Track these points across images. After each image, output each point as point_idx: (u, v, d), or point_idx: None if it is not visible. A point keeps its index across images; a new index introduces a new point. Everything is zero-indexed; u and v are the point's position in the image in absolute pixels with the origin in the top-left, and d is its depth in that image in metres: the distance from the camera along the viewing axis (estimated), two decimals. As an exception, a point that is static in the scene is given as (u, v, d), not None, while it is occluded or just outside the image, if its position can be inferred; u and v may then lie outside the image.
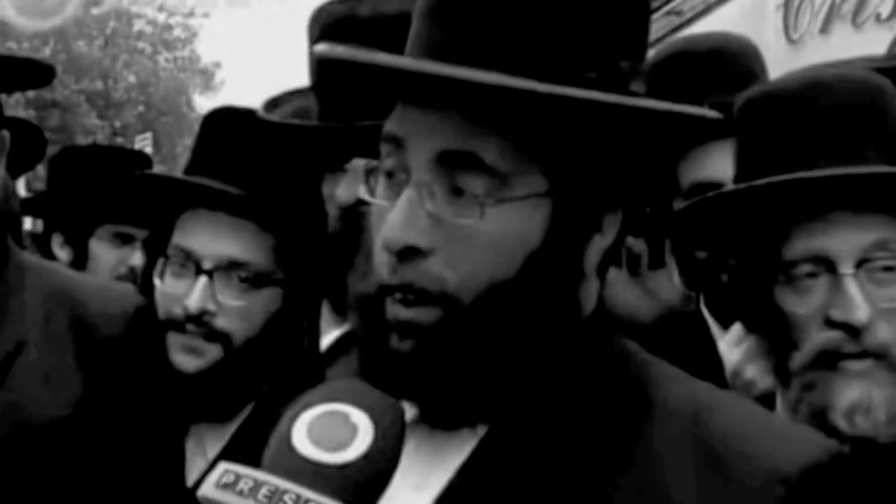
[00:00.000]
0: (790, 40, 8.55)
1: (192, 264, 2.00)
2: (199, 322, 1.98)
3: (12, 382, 1.77)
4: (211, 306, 1.97)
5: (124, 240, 3.50)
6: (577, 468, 1.13)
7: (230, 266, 1.99)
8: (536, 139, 1.14)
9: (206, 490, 0.99)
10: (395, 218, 1.13)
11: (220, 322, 1.98)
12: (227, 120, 2.11)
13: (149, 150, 16.81)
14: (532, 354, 1.17)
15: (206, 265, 1.98)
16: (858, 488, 1.25)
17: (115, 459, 1.85)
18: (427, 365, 1.15)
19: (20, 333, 1.81)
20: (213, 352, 1.99)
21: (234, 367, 2.00)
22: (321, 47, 1.16)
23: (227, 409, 2.05)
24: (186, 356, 1.99)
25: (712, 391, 1.22)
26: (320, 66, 1.27)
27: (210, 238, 1.99)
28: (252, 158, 2.03)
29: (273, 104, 2.38)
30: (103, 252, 3.51)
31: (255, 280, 1.99)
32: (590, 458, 1.14)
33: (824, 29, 8.19)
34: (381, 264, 1.16)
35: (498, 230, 1.13)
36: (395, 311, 1.15)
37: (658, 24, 11.01)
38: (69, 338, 1.84)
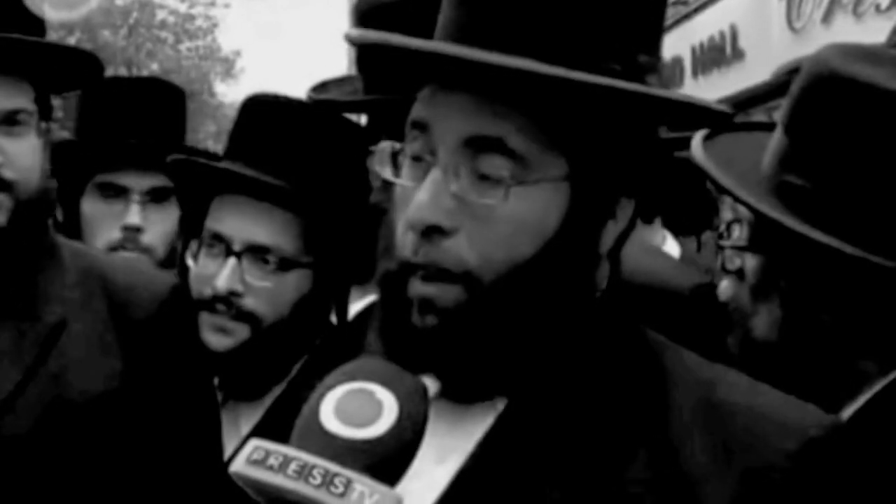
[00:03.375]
0: (793, 29, 8.53)
1: (223, 246, 1.99)
2: (228, 302, 1.98)
3: (55, 358, 1.76)
4: (239, 287, 1.97)
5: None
6: (594, 441, 1.14)
7: (259, 249, 1.98)
8: (560, 125, 1.15)
9: (238, 466, 1.00)
10: (420, 198, 1.13)
11: (248, 303, 1.98)
12: (263, 107, 2.09)
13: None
14: (548, 331, 1.17)
15: (236, 247, 1.98)
16: (858, 459, 1.25)
17: (155, 435, 1.85)
18: (448, 340, 1.15)
19: (62, 311, 1.81)
20: (242, 332, 1.99)
21: (262, 347, 2.00)
22: (356, 32, 1.17)
23: (258, 387, 2.05)
24: (216, 335, 1.99)
25: (719, 369, 1.22)
26: (359, 50, 1.28)
27: (240, 221, 1.99)
28: (286, 145, 2.03)
29: (321, 88, 2.40)
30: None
31: (283, 263, 1.98)
32: (607, 431, 1.14)
33: (826, 18, 8.17)
34: (405, 243, 1.16)
35: (519, 211, 1.14)
36: (417, 287, 1.15)
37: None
38: (107, 316, 1.84)
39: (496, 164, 1.13)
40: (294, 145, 2.03)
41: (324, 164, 2.03)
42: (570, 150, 1.15)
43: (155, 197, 2.58)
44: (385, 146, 1.21)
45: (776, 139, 1.69)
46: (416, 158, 1.18)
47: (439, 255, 1.14)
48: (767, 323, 1.67)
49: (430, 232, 1.13)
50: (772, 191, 1.65)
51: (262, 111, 2.08)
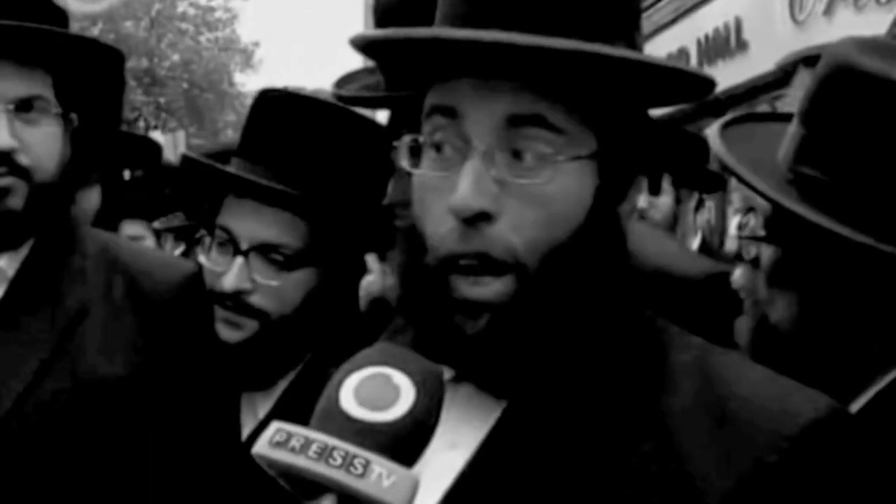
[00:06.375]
0: (796, 22, 8.48)
1: (231, 244, 1.98)
2: (236, 300, 1.96)
3: (77, 343, 1.77)
4: (246, 285, 1.96)
5: None
6: (602, 427, 1.13)
7: (266, 248, 1.96)
8: (590, 103, 1.13)
9: (260, 448, 1.00)
10: (464, 186, 1.10)
11: (256, 300, 1.96)
12: (275, 103, 2.05)
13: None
14: (590, 314, 1.16)
15: (243, 246, 1.96)
16: (858, 445, 1.24)
17: (172, 419, 1.85)
18: (499, 341, 1.13)
19: (83, 296, 1.81)
20: (252, 325, 1.98)
21: (272, 339, 1.98)
22: (382, 32, 1.14)
23: (269, 377, 2.03)
24: (227, 329, 1.98)
25: (723, 354, 1.21)
26: (376, 46, 1.25)
27: (248, 220, 1.97)
28: (295, 145, 2.00)
29: (344, 81, 2.38)
30: None
31: (289, 261, 1.96)
32: (614, 418, 1.13)
33: (828, 11, 8.12)
34: (446, 234, 1.13)
35: (560, 190, 1.12)
36: (464, 289, 1.13)
37: (667, 9, 10.92)
38: (126, 301, 1.84)
39: (536, 144, 1.12)
40: (304, 145, 1.99)
41: (334, 163, 2.00)
42: (598, 127, 1.14)
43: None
44: (405, 139, 1.19)
45: (793, 130, 1.68)
46: (438, 148, 1.16)
47: (486, 244, 1.12)
48: (784, 313, 1.65)
49: (476, 220, 1.11)
50: (788, 182, 1.64)
51: (274, 108, 2.05)
